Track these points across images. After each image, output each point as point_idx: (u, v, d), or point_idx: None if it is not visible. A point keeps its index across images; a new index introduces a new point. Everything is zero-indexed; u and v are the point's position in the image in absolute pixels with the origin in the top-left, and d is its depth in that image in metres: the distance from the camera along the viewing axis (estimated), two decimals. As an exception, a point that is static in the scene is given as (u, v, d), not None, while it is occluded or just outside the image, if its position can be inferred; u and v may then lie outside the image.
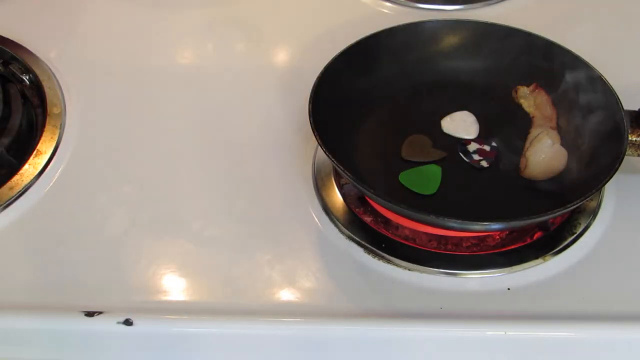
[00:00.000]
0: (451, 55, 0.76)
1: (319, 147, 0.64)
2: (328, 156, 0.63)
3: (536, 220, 0.62)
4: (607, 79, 0.69)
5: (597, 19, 0.89)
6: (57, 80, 0.79)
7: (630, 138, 0.65)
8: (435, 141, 0.71)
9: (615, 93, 0.68)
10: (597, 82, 0.69)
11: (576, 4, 0.91)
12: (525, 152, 0.67)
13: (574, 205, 0.61)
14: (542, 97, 0.72)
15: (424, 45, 0.76)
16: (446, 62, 0.76)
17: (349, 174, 0.62)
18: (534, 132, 0.69)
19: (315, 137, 0.64)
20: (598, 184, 0.61)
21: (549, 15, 0.89)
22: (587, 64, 0.71)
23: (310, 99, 0.67)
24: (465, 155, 0.69)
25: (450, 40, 0.76)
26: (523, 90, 0.73)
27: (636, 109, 0.67)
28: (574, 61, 0.71)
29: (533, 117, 0.71)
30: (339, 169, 0.63)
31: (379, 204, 0.66)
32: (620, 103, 0.67)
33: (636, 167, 0.69)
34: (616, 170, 0.62)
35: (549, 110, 0.71)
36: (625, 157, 0.63)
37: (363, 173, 0.67)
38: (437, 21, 0.77)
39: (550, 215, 0.63)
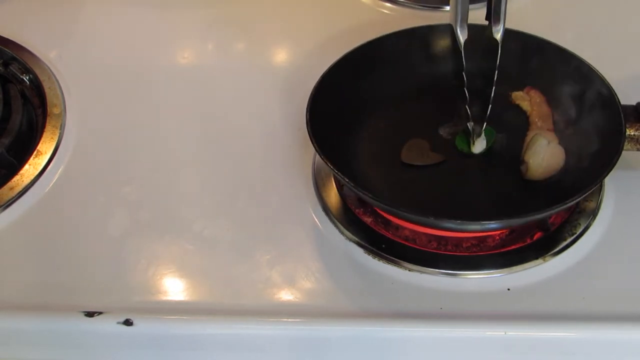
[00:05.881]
0: (448, 59, 0.76)
1: (319, 149, 0.64)
2: (326, 162, 0.63)
3: (535, 217, 0.62)
4: (604, 74, 0.69)
5: (594, 17, 0.89)
6: (57, 80, 0.79)
7: (628, 132, 0.65)
8: (433, 145, 0.71)
9: (612, 88, 0.68)
10: (594, 78, 0.69)
11: (573, 3, 0.91)
12: (523, 156, 0.67)
13: (573, 201, 0.61)
14: (538, 98, 0.72)
15: (421, 49, 0.76)
16: (444, 65, 0.76)
17: (346, 180, 0.62)
18: (530, 134, 0.69)
19: (313, 144, 0.64)
20: (596, 180, 0.62)
21: (546, 14, 0.89)
22: (583, 60, 0.71)
23: (307, 107, 0.67)
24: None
25: (448, 43, 0.76)
26: (517, 94, 0.73)
27: (633, 103, 0.67)
28: (571, 58, 0.71)
29: (529, 116, 0.71)
30: (337, 175, 0.63)
31: (377, 207, 0.66)
32: (617, 98, 0.67)
33: (636, 167, 0.69)
34: (614, 165, 0.62)
35: (545, 109, 0.71)
36: (626, 157, 0.63)
37: (362, 177, 0.67)
38: (432, 26, 0.76)
39: (549, 212, 0.63)
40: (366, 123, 0.72)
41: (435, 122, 0.72)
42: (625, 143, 0.64)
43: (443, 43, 0.76)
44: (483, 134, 0.69)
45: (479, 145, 0.70)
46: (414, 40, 0.75)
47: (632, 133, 0.65)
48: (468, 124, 0.69)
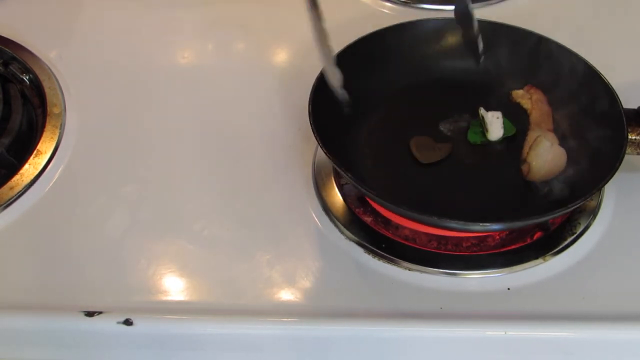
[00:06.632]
0: (451, 55, 0.76)
1: (319, 147, 0.64)
2: (328, 156, 0.63)
3: (537, 220, 0.63)
4: (606, 77, 0.69)
5: (596, 18, 0.89)
6: (57, 80, 0.79)
7: (629, 137, 0.65)
8: (435, 137, 0.71)
9: (615, 92, 0.68)
10: (596, 81, 0.69)
11: (575, 3, 0.91)
12: (525, 157, 0.67)
13: (575, 205, 0.61)
14: (538, 96, 0.72)
15: (424, 44, 0.76)
16: (446, 61, 0.76)
17: (349, 175, 0.62)
18: (531, 135, 0.69)
19: (316, 137, 0.64)
20: (598, 183, 0.61)
21: (548, 14, 0.89)
22: (586, 62, 0.71)
23: (310, 99, 0.67)
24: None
25: (450, 39, 0.76)
26: (518, 93, 0.73)
27: (635, 107, 0.67)
28: (573, 60, 0.71)
29: (530, 115, 0.71)
30: (339, 170, 0.63)
31: (379, 204, 0.66)
32: (620, 102, 0.67)
33: (636, 166, 0.69)
34: (616, 169, 0.62)
35: (545, 108, 0.71)
36: (625, 157, 0.63)
37: (363, 174, 0.67)
38: (437, 20, 0.77)
39: (551, 216, 0.63)
40: (366, 119, 0.72)
41: (435, 118, 0.72)
42: (627, 147, 0.64)
43: (447, 37, 0.76)
44: (501, 121, 0.69)
45: (496, 132, 0.70)
46: (416, 33, 0.75)
47: (634, 137, 0.65)
48: (480, 110, 0.70)
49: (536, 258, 0.64)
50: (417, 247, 0.65)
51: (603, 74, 0.69)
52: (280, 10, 0.91)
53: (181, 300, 0.62)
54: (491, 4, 0.90)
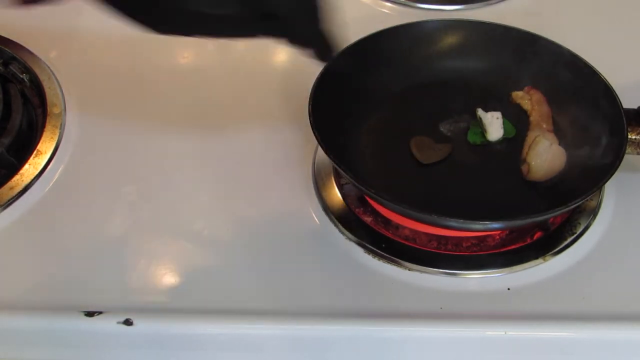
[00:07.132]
0: (451, 55, 0.76)
1: (319, 147, 0.64)
2: (328, 155, 0.63)
3: (537, 219, 0.63)
4: (606, 77, 0.69)
5: (596, 18, 0.89)
6: (57, 80, 0.79)
7: (629, 136, 0.65)
8: (435, 138, 0.71)
9: (614, 91, 0.68)
10: (596, 81, 0.69)
11: (575, 3, 0.91)
12: (525, 157, 0.67)
13: (575, 204, 0.61)
14: (538, 97, 0.72)
15: (424, 45, 0.76)
16: (446, 62, 0.76)
17: (349, 174, 0.62)
18: (531, 135, 0.69)
19: (315, 136, 0.64)
20: (598, 183, 0.62)
21: (548, 14, 0.89)
22: (585, 62, 0.71)
23: (310, 99, 0.67)
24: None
25: (450, 40, 0.76)
26: (518, 94, 0.73)
27: (635, 107, 0.67)
28: (573, 60, 0.71)
29: (530, 115, 0.71)
30: (338, 168, 0.63)
31: (379, 203, 0.66)
32: (619, 101, 0.67)
33: (636, 166, 0.69)
34: (616, 169, 0.62)
35: (545, 109, 0.71)
36: (625, 157, 0.63)
37: (363, 173, 0.67)
38: (437, 21, 0.77)
39: (551, 214, 0.63)
40: (366, 119, 0.72)
41: (434, 118, 0.72)
42: (627, 147, 0.64)
43: (447, 38, 0.76)
44: (500, 121, 0.69)
45: (495, 133, 0.70)
46: (417, 34, 0.75)
47: (634, 137, 0.65)
48: (477, 111, 0.70)
49: (536, 258, 0.64)
50: (417, 247, 0.65)
51: (603, 74, 0.69)
52: (280, 10, 0.90)
53: (181, 300, 0.62)
54: (491, 4, 0.90)
